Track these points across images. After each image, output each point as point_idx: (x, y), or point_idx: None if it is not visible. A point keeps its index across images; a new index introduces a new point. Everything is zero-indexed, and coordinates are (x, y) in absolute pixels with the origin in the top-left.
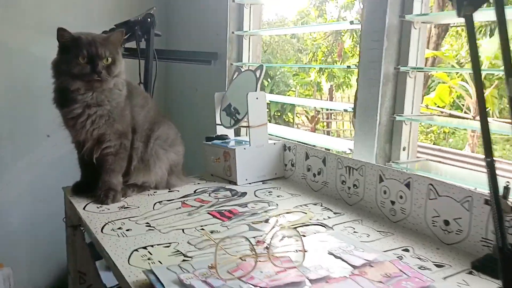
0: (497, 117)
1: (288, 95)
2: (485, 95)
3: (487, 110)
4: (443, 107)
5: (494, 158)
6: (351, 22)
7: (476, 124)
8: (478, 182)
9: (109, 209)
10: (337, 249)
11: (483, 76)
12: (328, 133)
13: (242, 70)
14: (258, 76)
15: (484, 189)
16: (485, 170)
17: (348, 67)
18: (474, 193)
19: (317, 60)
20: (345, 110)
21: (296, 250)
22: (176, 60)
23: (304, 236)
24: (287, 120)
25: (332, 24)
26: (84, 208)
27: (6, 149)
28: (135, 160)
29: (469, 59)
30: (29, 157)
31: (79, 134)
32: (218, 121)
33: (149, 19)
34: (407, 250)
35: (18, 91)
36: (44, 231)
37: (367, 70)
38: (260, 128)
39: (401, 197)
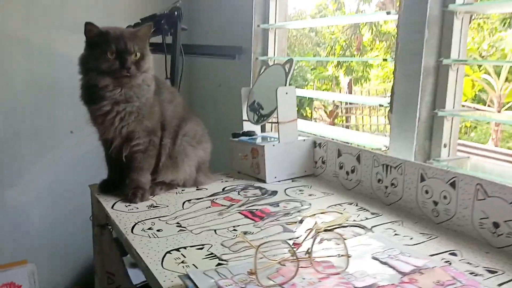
0: None
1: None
2: (509, 88)
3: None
4: (465, 101)
5: None
6: (388, 13)
7: None
8: None
9: (137, 208)
10: (382, 253)
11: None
12: (347, 128)
13: (270, 64)
14: (287, 71)
15: None
16: None
17: (385, 60)
18: None
19: (335, 54)
20: (381, 105)
21: (339, 255)
22: (200, 54)
23: (345, 239)
24: (304, 114)
25: (366, 15)
26: (112, 207)
27: (29, 147)
28: (164, 158)
29: (491, 53)
30: (52, 155)
31: (107, 132)
32: (244, 117)
33: (176, 13)
34: (454, 254)
35: (40, 89)
36: (67, 229)
37: (406, 63)
38: (289, 124)
39: (445, 197)
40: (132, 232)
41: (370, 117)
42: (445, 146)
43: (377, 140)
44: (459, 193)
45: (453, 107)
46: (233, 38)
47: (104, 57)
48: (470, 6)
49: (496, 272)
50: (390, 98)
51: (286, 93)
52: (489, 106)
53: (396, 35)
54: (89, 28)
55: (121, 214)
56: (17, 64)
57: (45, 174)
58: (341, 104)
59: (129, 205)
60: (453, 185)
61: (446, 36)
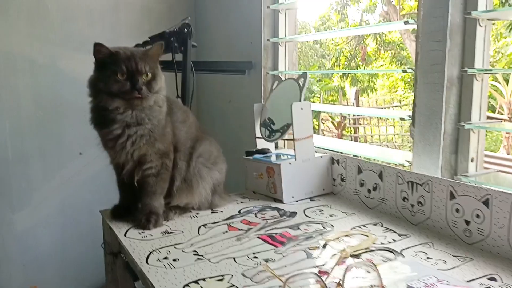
0: None
1: (313, 102)
2: None
3: None
4: None
5: None
6: (406, 22)
7: None
8: None
9: (151, 235)
10: (417, 282)
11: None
12: (355, 139)
13: (283, 79)
14: (301, 85)
15: None
16: None
17: (404, 71)
18: None
19: (340, 65)
20: (402, 119)
21: (372, 286)
22: (210, 71)
23: (375, 265)
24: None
25: (382, 25)
26: (125, 235)
27: (36, 169)
28: (178, 181)
29: (497, 58)
30: (60, 176)
31: (119, 156)
32: (258, 134)
33: (185, 29)
34: (493, 279)
35: (46, 108)
36: (77, 253)
37: (428, 73)
38: (306, 141)
39: (477, 216)
40: (147, 262)
41: (378, 127)
42: (472, 160)
43: (398, 155)
44: (493, 211)
45: (479, 119)
46: (243, 53)
47: (114, 78)
48: (493, 13)
49: None
50: (412, 111)
51: (301, 108)
52: (499, 113)
53: (416, 45)
54: (98, 48)
55: (135, 242)
56: (22, 82)
57: (54, 197)
58: (348, 115)
59: (143, 232)
60: (486, 203)
61: (469, 44)
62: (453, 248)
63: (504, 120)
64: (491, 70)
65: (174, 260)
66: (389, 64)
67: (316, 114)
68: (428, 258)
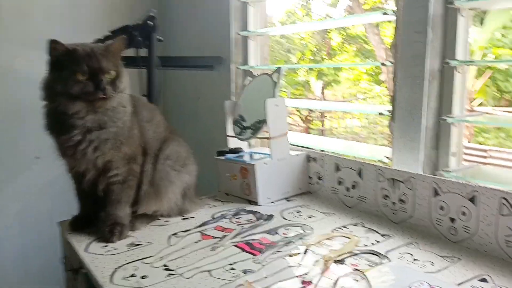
0: (492, 107)
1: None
2: (479, 84)
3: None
4: None
5: None
6: (384, 13)
7: None
8: None
9: (116, 249)
10: None
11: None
12: (322, 132)
13: (255, 74)
14: (276, 80)
15: None
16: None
17: (383, 64)
18: None
19: (305, 59)
20: (381, 114)
21: None
22: (177, 67)
23: (357, 269)
24: None
25: (361, 17)
26: (86, 250)
27: None
28: (145, 184)
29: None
30: (17, 183)
31: (79, 164)
32: (230, 133)
33: (150, 23)
34: (484, 280)
35: (1, 110)
36: (36, 265)
37: (408, 66)
38: (281, 139)
39: (463, 213)
40: (111, 281)
41: (344, 120)
42: (453, 155)
43: (377, 151)
44: (480, 208)
45: (461, 112)
46: (211, 48)
47: (74, 78)
48: (475, 2)
49: None
50: (391, 105)
51: (276, 105)
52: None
53: (394, 37)
54: (53, 46)
55: (98, 258)
56: None
57: (12, 203)
58: (316, 109)
59: (106, 245)
60: (473, 199)
61: (450, 35)
62: (438, 248)
63: (467, 110)
64: (473, 61)
65: (143, 277)
66: (353, 57)
67: None
68: (415, 260)
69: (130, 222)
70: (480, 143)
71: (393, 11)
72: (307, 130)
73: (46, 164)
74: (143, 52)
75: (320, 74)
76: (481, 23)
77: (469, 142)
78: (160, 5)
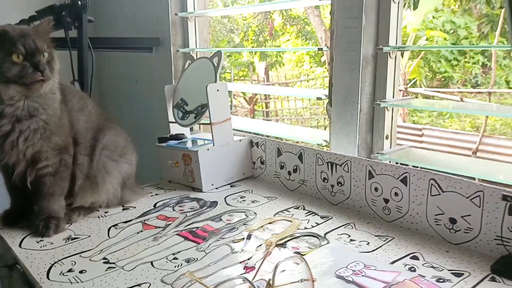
0: (425, 87)
1: (224, 77)
2: (412, 65)
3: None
4: None
5: None
6: None
7: (462, 106)
8: (473, 170)
9: (52, 243)
10: (346, 269)
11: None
12: (267, 114)
13: (195, 57)
14: (216, 65)
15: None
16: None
17: (320, 49)
18: (486, 187)
19: (248, 40)
20: (319, 99)
21: (301, 280)
22: (111, 49)
23: (298, 252)
24: None
25: (296, 1)
26: (20, 245)
27: None
28: (80, 179)
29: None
30: None
31: (8, 156)
32: (171, 119)
33: (79, 2)
34: (416, 258)
35: None
36: None
37: (344, 52)
38: (223, 124)
39: (396, 194)
40: (48, 277)
41: (288, 102)
42: (387, 137)
43: (316, 134)
44: (411, 189)
45: (393, 97)
46: (149, 29)
47: (10, 60)
48: None
49: (462, 274)
50: (328, 90)
51: (218, 90)
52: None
53: (330, 22)
54: None
55: (33, 254)
56: None
57: None
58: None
59: (42, 240)
60: (404, 180)
61: (383, 21)
62: (374, 228)
63: (401, 90)
64: (405, 47)
65: (81, 271)
66: (295, 38)
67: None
68: (351, 240)
69: (66, 214)
70: (414, 122)
71: None
72: (252, 112)
73: None
74: (73, 33)
75: (263, 56)
76: (415, 6)
77: (404, 121)
78: None
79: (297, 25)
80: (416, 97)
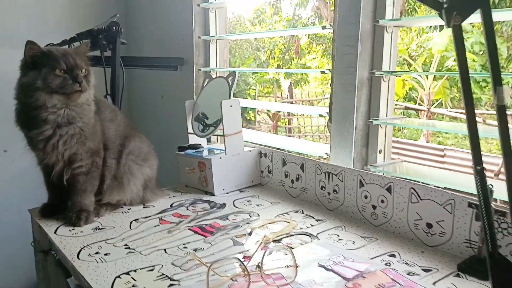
0: (450, 107)
1: (249, 94)
2: (437, 86)
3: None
4: (397, 100)
5: (483, 167)
6: (323, 27)
7: (451, 126)
8: (454, 182)
9: (82, 232)
10: (327, 260)
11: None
12: (290, 130)
13: (213, 77)
14: (231, 83)
15: (460, 188)
16: (439, 160)
17: (323, 72)
18: (457, 196)
19: (275, 58)
20: (321, 116)
21: (287, 266)
22: (141, 67)
23: (292, 248)
24: (248, 118)
25: (303, 29)
26: (55, 232)
27: None
28: (108, 179)
29: (420, 52)
30: None
31: (49, 157)
32: (190, 130)
33: (114, 28)
34: (393, 256)
35: None
36: (5, 253)
37: (342, 75)
38: (235, 136)
39: (382, 201)
40: (78, 258)
41: (311, 118)
42: (380, 152)
43: (318, 148)
44: (395, 197)
45: (386, 115)
46: (175, 50)
47: (54, 73)
48: (399, 21)
49: (431, 270)
50: (329, 108)
51: (231, 106)
52: (419, 104)
53: (332, 48)
54: (31, 46)
55: (65, 239)
56: None
57: None
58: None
59: (73, 229)
60: (389, 189)
61: (378, 49)
62: (362, 230)
63: (423, 110)
64: (396, 72)
65: (106, 254)
66: (320, 57)
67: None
68: (339, 239)
69: (95, 209)
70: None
71: (330, 25)
72: (274, 128)
73: (14, 157)
74: (107, 53)
75: (289, 73)
76: (441, 28)
77: (427, 142)
78: (127, 7)
79: (323, 44)
80: (442, 118)
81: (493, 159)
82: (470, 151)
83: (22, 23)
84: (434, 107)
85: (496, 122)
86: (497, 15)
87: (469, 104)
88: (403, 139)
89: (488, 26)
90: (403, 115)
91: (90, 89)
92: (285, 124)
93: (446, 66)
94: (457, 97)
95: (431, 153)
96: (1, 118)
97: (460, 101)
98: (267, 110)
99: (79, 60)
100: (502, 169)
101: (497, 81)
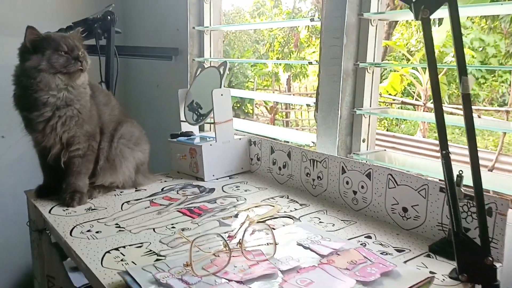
0: (447, 103)
1: (247, 86)
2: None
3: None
4: (395, 95)
5: (449, 151)
6: (312, 19)
7: (428, 116)
8: (430, 170)
9: (75, 212)
10: (306, 240)
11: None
12: (287, 123)
13: (205, 66)
14: (222, 73)
15: (436, 175)
16: (435, 155)
17: (310, 63)
18: (430, 181)
19: (274, 51)
20: (308, 105)
21: (267, 243)
22: (136, 56)
23: (274, 229)
24: (246, 111)
25: (293, 21)
26: (49, 212)
27: None
28: (101, 161)
29: (419, 48)
30: None
31: (47, 139)
32: (182, 118)
33: (109, 17)
34: (369, 237)
35: None
36: (3, 235)
37: (328, 66)
38: (225, 124)
39: (362, 187)
40: (71, 235)
41: (308, 112)
42: (363, 141)
43: (306, 137)
44: (374, 182)
45: (370, 106)
46: (169, 40)
47: (58, 54)
48: (382, 14)
49: (404, 250)
50: (316, 98)
51: (221, 94)
52: (416, 99)
53: (320, 41)
54: (31, 31)
55: (59, 218)
56: None
57: None
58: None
59: (67, 209)
60: (369, 176)
61: (362, 41)
62: (342, 214)
63: (420, 105)
64: (380, 64)
65: (97, 232)
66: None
67: (250, 99)
68: (320, 222)
69: (88, 191)
70: (436, 138)
71: (318, 18)
72: (272, 121)
73: (10, 143)
74: (102, 42)
75: (288, 66)
76: (439, 23)
77: (424, 137)
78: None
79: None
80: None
81: (488, 155)
82: (466, 147)
83: (19, 12)
84: (431, 103)
85: (491, 118)
86: (464, 10)
87: (436, 93)
88: (399, 133)
89: (455, 19)
90: (401, 109)
91: (86, 71)
92: (283, 118)
93: (445, 62)
94: (455, 93)
95: (427, 148)
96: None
97: (458, 97)
98: (264, 103)
99: (77, 41)
100: (496, 165)
101: (463, 71)
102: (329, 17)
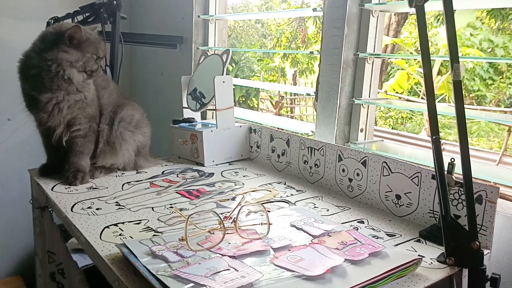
0: (452, 102)
1: (253, 80)
2: (441, 81)
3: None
4: (401, 93)
5: (439, 136)
6: (314, 9)
7: (424, 107)
8: (425, 159)
9: (77, 190)
10: (299, 221)
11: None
12: (292, 118)
13: (209, 54)
14: (224, 60)
15: (431, 165)
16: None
17: (311, 52)
18: (423, 169)
19: (281, 46)
20: (308, 94)
21: (261, 223)
22: (141, 43)
23: (269, 211)
24: (251, 105)
25: (296, 11)
26: (52, 189)
27: None
28: (101, 143)
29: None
30: None
31: (53, 119)
32: (184, 105)
33: (114, 2)
34: (362, 222)
35: None
36: (6, 218)
37: (329, 56)
38: (226, 111)
39: (357, 174)
40: (71, 210)
41: (314, 107)
42: (361, 130)
43: (306, 126)
44: (369, 170)
45: (369, 96)
46: (175, 28)
47: (93, 60)
48: (384, 5)
49: (395, 235)
50: (316, 88)
51: (223, 82)
52: (422, 98)
53: (321, 31)
54: (76, 29)
55: (61, 195)
56: None
57: None
58: (286, 95)
59: (69, 187)
60: (364, 163)
61: (363, 31)
62: (337, 201)
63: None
64: (379, 54)
65: (97, 209)
66: None
67: (256, 93)
68: (315, 207)
69: (90, 171)
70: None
71: (321, 8)
72: (277, 115)
73: (17, 126)
74: (108, 27)
75: (294, 62)
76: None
77: (428, 136)
78: None
79: None
80: None
81: (492, 156)
82: (473, 147)
83: None
84: (437, 102)
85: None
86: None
87: (429, 80)
88: (404, 132)
89: (448, 6)
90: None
91: None
92: (288, 113)
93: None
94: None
95: (431, 147)
96: (7, 87)
97: (465, 98)
98: (270, 97)
99: (104, 47)
100: (500, 165)
101: (455, 58)
102: (330, 7)
